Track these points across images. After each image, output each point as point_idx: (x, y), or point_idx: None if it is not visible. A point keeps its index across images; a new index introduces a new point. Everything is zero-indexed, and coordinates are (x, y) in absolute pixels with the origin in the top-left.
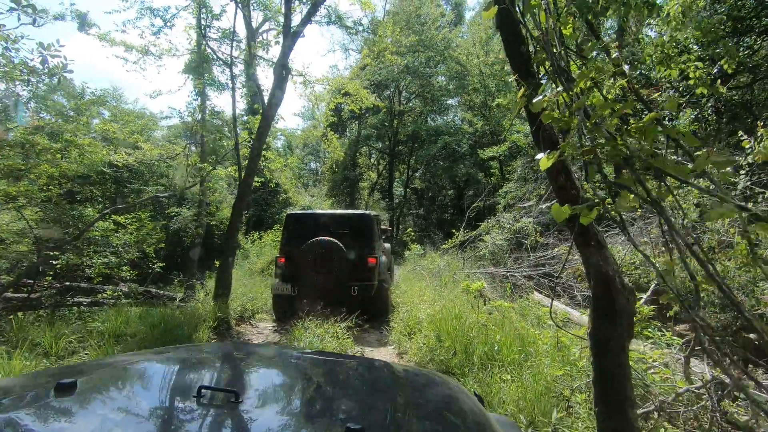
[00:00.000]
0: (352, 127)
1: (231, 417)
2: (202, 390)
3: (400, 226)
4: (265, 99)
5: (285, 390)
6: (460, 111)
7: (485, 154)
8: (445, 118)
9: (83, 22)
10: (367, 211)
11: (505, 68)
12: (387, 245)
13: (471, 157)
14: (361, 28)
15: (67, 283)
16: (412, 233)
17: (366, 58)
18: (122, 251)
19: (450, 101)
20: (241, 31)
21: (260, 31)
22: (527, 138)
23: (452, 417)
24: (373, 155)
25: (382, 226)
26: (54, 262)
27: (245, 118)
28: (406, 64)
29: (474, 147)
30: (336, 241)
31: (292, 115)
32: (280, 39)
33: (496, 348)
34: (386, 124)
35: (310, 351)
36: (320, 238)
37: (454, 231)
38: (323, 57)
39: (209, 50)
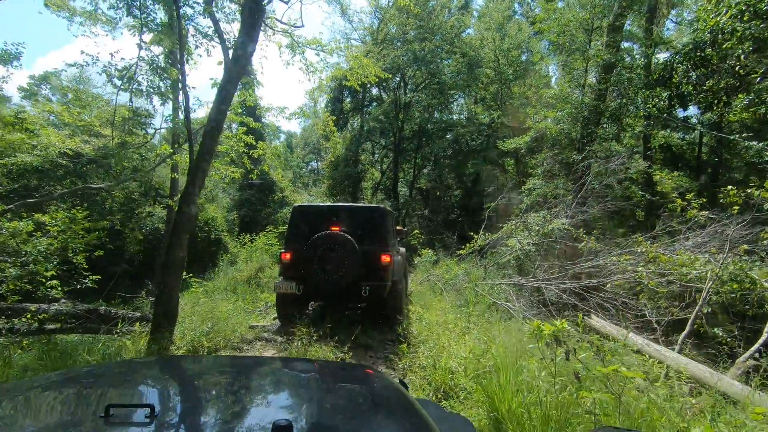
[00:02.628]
0: (355, 120)
1: None
2: (111, 408)
3: (406, 228)
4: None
5: (208, 397)
6: (466, 103)
7: (506, 146)
8: (452, 115)
9: None
10: (382, 205)
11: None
12: (402, 249)
13: (483, 152)
14: None
15: None
16: (421, 235)
17: (369, 44)
18: (35, 261)
19: (459, 94)
20: None
21: None
22: (558, 125)
23: (376, 402)
24: (377, 152)
25: (397, 227)
26: None
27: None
28: (413, 53)
29: (488, 140)
30: (346, 235)
31: (292, 114)
32: None
33: None
34: (391, 116)
35: (235, 356)
36: (328, 231)
37: (472, 234)
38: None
39: None
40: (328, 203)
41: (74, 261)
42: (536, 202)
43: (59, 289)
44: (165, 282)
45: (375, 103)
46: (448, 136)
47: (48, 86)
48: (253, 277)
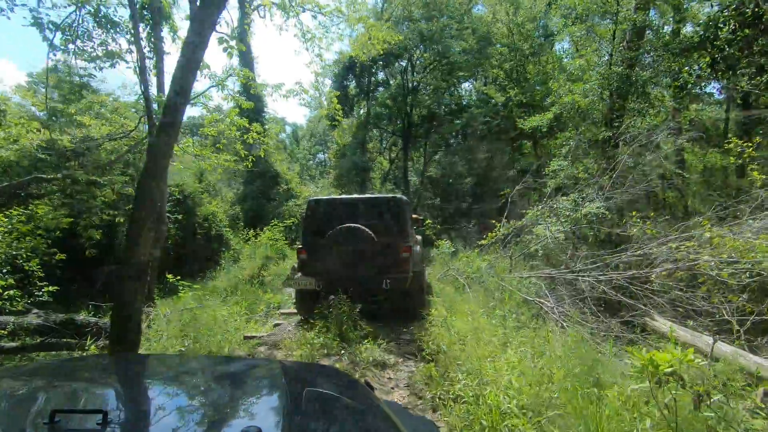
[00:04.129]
0: (361, 108)
1: None
2: (57, 414)
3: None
4: None
5: (169, 401)
6: (476, 86)
7: (528, 124)
8: (462, 100)
9: None
10: (398, 195)
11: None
12: (419, 237)
13: (497, 134)
14: None
15: None
16: (437, 225)
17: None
18: None
19: (468, 78)
20: None
21: None
22: (587, 99)
23: (344, 405)
24: (385, 140)
25: (413, 215)
26: None
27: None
28: (420, 32)
29: (504, 121)
30: (365, 228)
31: (298, 105)
32: None
33: None
34: (399, 100)
35: (198, 356)
36: (347, 225)
37: (493, 221)
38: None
39: None
40: (344, 195)
41: (26, 268)
42: (563, 185)
43: (19, 300)
44: (121, 295)
45: (381, 88)
46: (457, 121)
47: (48, 85)
48: (257, 276)
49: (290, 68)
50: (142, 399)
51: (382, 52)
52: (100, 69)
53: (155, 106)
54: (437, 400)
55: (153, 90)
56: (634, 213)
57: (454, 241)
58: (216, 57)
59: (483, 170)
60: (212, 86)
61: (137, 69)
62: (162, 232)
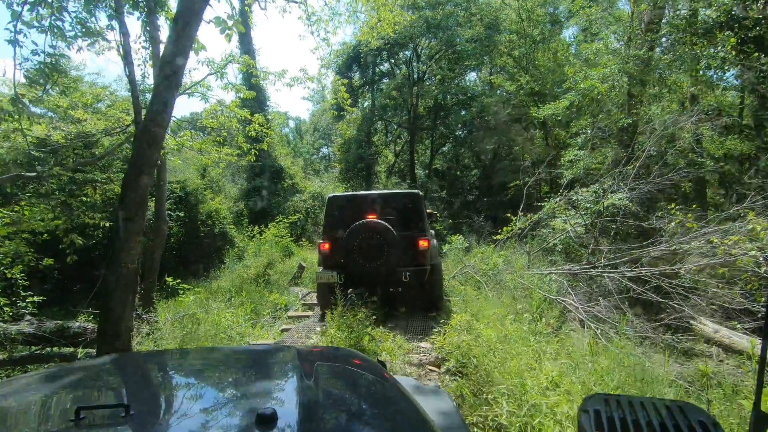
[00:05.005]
0: (366, 100)
1: None
2: (82, 411)
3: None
4: None
5: (187, 391)
6: (481, 77)
7: (542, 113)
8: (470, 90)
9: None
10: (415, 190)
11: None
12: (432, 231)
13: (507, 124)
14: None
15: None
16: (449, 220)
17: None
18: None
19: (474, 67)
20: None
21: None
22: (606, 84)
23: (357, 384)
24: (391, 132)
25: (428, 210)
26: None
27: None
28: (425, 19)
29: (514, 110)
30: (384, 222)
31: (300, 99)
32: None
33: None
34: (404, 91)
35: (211, 348)
36: (366, 220)
37: (509, 215)
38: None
39: None
40: (363, 192)
41: (8, 275)
42: (580, 176)
43: (6, 309)
44: (109, 307)
45: (386, 79)
46: (464, 113)
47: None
48: (262, 275)
49: (293, 64)
50: (161, 391)
51: (392, 35)
52: (78, 50)
53: (148, 95)
54: (474, 428)
55: (149, 81)
56: (673, 205)
57: (466, 235)
58: (214, 47)
59: (491, 162)
60: (210, 74)
61: (120, 48)
62: (162, 231)
